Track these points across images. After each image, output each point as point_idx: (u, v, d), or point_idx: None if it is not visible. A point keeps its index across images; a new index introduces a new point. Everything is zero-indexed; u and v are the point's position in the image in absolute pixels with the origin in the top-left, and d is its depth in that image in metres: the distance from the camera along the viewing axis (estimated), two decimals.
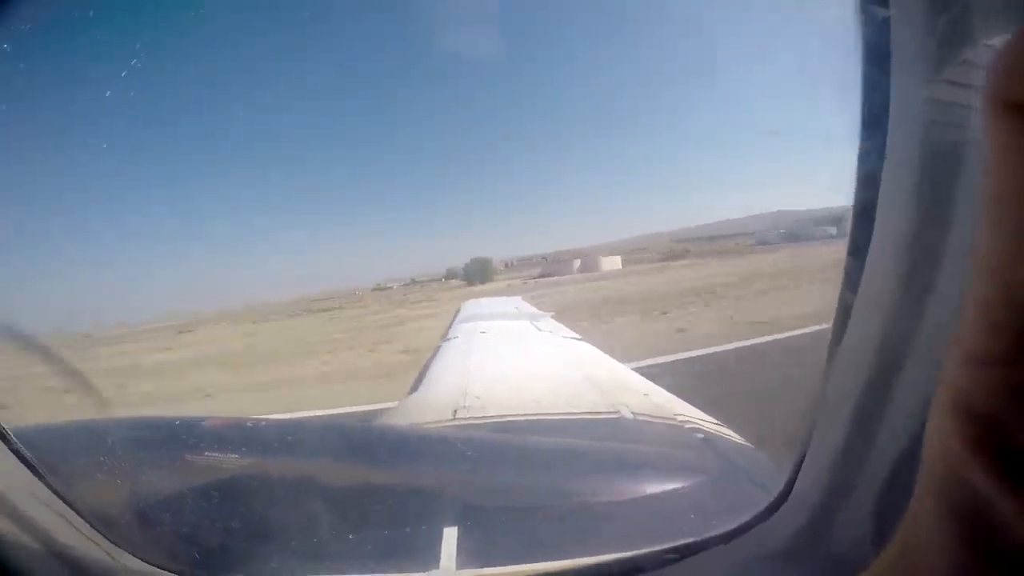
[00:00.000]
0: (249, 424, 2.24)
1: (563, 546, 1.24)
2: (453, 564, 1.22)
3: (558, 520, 1.43)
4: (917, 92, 0.72)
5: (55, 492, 0.99)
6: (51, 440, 1.53)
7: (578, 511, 1.46)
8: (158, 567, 1.11)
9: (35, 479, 0.98)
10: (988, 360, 0.23)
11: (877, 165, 0.78)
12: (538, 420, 2.23)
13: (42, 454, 1.03)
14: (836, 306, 0.89)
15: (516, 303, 8.61)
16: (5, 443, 0.98)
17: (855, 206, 0.83)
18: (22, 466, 0.98)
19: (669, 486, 1.49)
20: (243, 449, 1.74)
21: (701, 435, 1.89)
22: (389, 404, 4.13)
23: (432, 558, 1.24)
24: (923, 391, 0.80)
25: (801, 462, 1.00)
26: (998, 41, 0.63)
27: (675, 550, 1.05)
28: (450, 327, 5.85)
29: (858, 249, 0.84)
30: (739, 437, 1.88)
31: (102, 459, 1.46)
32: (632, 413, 2.17)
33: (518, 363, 3.65)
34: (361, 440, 2.02)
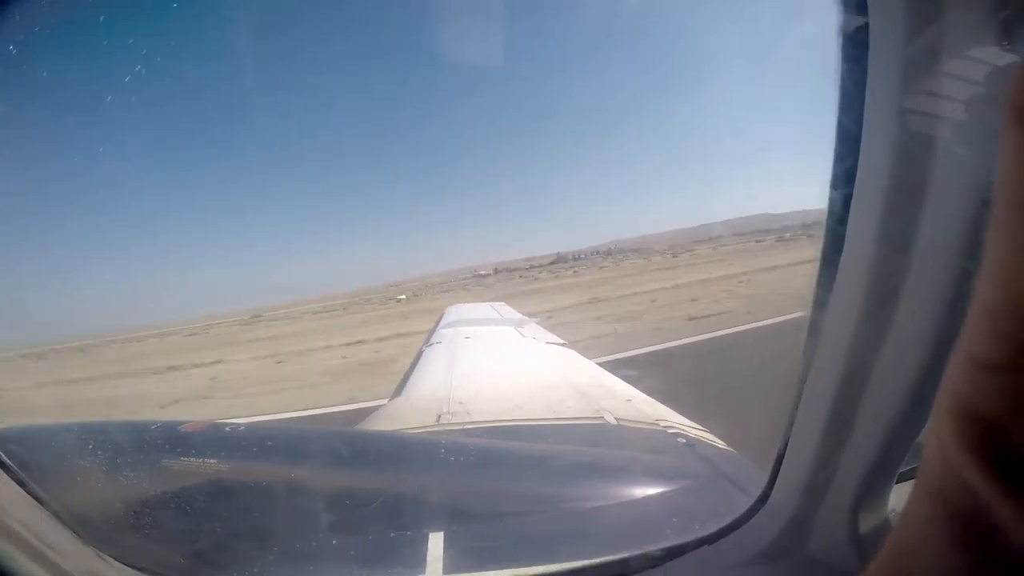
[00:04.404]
0: (228, 429, 2.20)
1: (548, 551, 1.25)
2: (439, 569, 1.21)
3: (543, 525, 1.44)
4: (892, 101, 0.73)
5: (33, 496, 0.96)
6: (27, 444, 1.48)
7: (562, 516, 1.46)
8: (141, 571, 1.08)
9: (12, 483, 0.95)
10: (992, 366, 0.23)
11: (851, 169, 0.79)
12: (522, 425, 2.23)
13: (18, 458, 1.00)
14: (811, 309, 0.89)
15: (500, 308, 8.59)
16: None
17: (829, 209, 0.83)
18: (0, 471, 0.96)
19: (652, 490, 1.51)
20: (222, 454, 1.70)
21: (683, 440, 1.92)
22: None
23: (418, 563, 1.23)
24: (897, 393, 0.82)
25: (779, 465, 1.02)
26: (979, 53, 0.65)
27: (659, 553, 1.07)
28: (433, 332, 5.81)
29: (832, 253, 0.84)
30: (721, 442, 1.91)
31: (80, 463, 1.41)
32: (615, 419, 2.20)
33: (502, 369, 3.64)
34: (343, 444, 2.00)
